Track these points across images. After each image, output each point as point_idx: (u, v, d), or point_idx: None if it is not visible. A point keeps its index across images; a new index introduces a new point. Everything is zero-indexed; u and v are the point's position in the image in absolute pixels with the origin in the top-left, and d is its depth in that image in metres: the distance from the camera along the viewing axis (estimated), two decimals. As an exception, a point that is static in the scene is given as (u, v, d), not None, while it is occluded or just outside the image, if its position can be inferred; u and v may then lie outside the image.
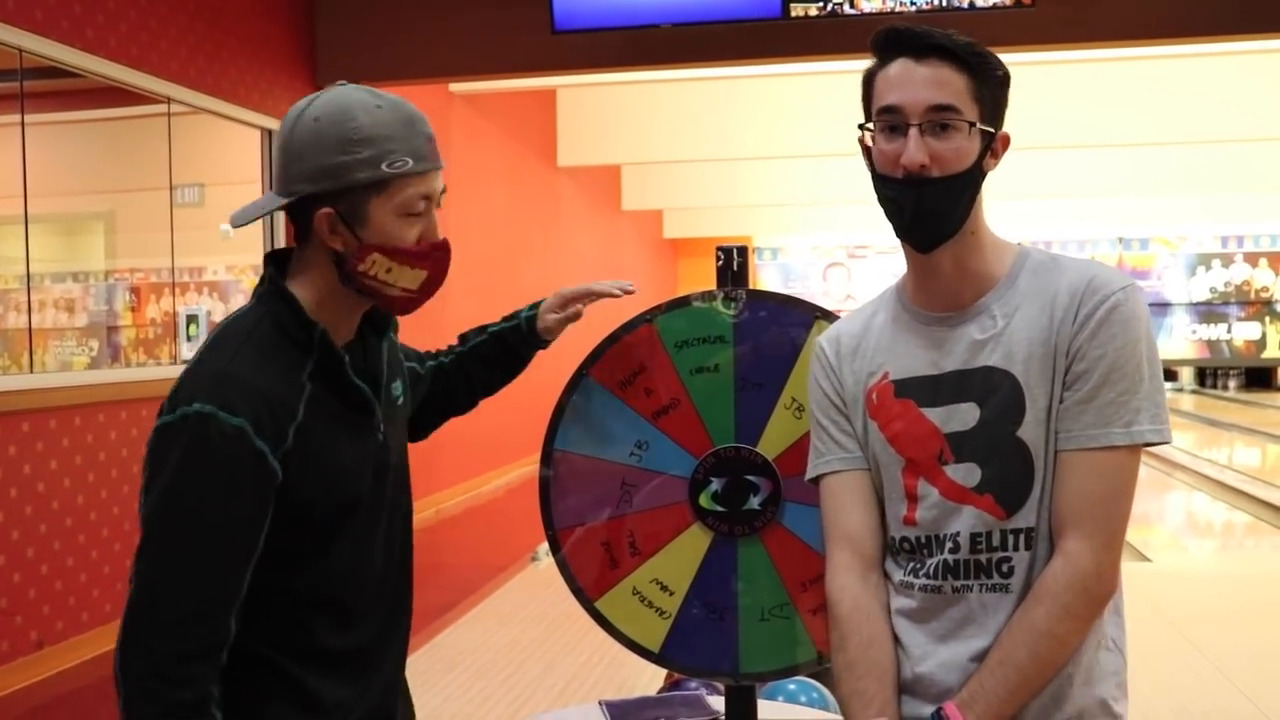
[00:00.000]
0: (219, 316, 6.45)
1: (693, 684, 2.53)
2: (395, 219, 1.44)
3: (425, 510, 7.68)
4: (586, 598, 1.90)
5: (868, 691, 1.49)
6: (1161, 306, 20.50)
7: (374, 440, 1.54)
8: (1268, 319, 20.64)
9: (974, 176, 1.44)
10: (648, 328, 1.87)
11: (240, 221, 1.51)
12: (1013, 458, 1.43)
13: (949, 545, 1.46)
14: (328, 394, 1.46)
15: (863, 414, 1.55)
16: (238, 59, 6.03)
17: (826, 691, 2.90)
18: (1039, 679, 1.40)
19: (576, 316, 1.85)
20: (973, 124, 1.42)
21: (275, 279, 1.49)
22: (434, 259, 1.48)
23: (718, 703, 2.01)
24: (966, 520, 1.45)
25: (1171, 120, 10.33)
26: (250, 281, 6.73)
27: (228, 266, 6.79)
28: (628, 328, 1.87)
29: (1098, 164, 13.48)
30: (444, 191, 1.51)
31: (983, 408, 1.45)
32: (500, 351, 1.86)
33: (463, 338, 1.90)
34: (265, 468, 1.37)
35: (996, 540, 1.44)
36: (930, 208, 1.42)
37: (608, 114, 11.24)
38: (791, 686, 2.95)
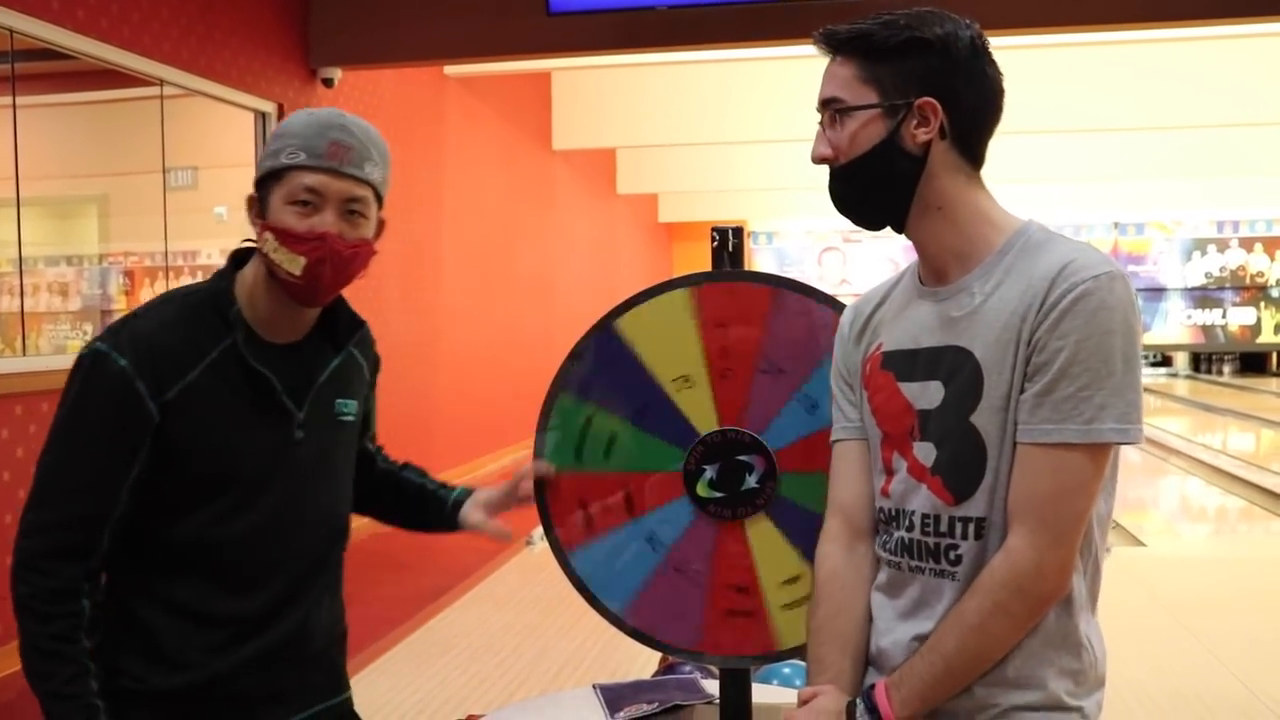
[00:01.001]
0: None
1: (687, 668, 2.53)
2: (283, 205, 1.58)
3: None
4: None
5: (826, 658, 1.52)
6: (1157, 291, 20.53)
7: (285, 434, 1.65)
8: (1262, 304, 20.68)
9: (888, 154, 1.42)
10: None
11: None
12: (965, 443, 1.40)
13: (907, 523, 1.46)
14: (236, 370, 1.60)
15: (859, 383, 1.56)
16: (230, 41, 6.00)
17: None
18: (964, 671, 1.39)
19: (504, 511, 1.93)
20: (864, 107, 1.42)
21: (228, 263, 1.67)
22: (312, 245, 1.57)
23: (712, 686, 2.00)
24: (921, 500, 1.44)
25: (1167, 105, 10.32)
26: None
27: (222, 250, 6.76)
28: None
29: (1093, 148, 13.47)
30: (381, 223, 1.66)
31: (946, 388, 1.42)
32: (414, 503, 1.95)
33: (404, 464, 1.98)
34: (142, 407, 1.54)
35: (944, 526, 1.42)
36: (846, 192, 1.49)
37: (603, 97, 11.21)
38: (786, 670, 2.94)
